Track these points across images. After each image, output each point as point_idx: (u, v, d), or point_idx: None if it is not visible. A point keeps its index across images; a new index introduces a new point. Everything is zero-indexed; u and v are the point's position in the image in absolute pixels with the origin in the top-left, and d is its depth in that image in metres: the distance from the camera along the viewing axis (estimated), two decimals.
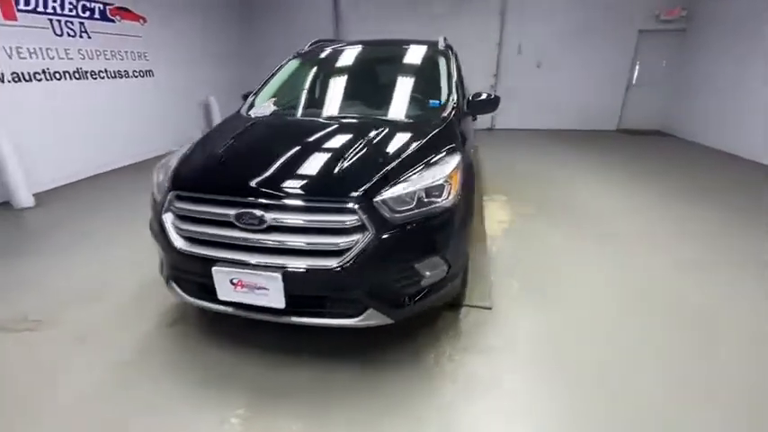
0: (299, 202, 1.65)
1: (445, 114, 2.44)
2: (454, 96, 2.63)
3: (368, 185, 1.68)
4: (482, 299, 2.53)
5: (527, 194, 4.53)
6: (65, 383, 1.93)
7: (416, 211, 1.73)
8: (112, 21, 5.60)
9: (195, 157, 2.03)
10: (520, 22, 8.03)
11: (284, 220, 1.65)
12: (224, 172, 1.87)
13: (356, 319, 1.74)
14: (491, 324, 2.31)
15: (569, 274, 2.84)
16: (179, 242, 1.80)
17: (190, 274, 1.82)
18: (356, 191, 1.65)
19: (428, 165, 1.88)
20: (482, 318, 2.37)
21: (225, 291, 1.72)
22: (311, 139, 2.10)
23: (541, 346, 2.13)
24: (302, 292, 1.69)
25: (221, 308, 1.82)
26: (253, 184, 1.72)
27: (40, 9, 4.63)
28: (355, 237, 1.63)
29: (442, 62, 2.97)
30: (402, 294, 1.76)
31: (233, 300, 1.73)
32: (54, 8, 4.78)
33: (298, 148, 1.98)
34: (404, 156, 1.90)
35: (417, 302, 1.83)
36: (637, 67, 8.09)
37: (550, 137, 7.92)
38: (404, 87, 2.79)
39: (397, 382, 1.89)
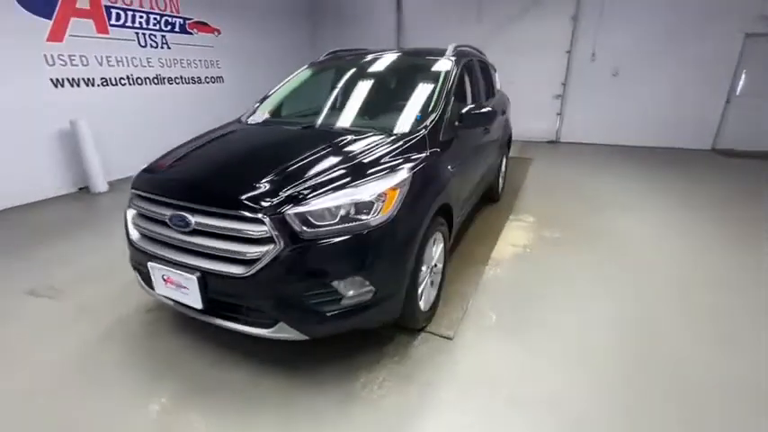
0: (216, 209, 1.70)
1: (419, 128, 2.31)
2: (440, 110, 2.47)
3: (283, 197, 1.66)
4: (447, 327, 2.34)
5: (562, 219, 4.07)
6: (48, 342, 2.25)
7: (338, 227, 1.67)
8: (190, 33, 6.36)
9: (161, 160, 2.21)
10: (595, 26, 7.28)
11: (204, 225, 1.71)
12: (170, 175, 2.00)
13: (268, 331, 1.73)
14: (443, 356, 2.12)
15: (566, 323, 2.39)
16: (134, 235, 1.98)
17: (140, 265, 1.98)
18: (269, 202, 1.64)
19: (366, 180, 1.80)
20: (438, 347, 2.18)
21: (158, 285, 1.85)
22: (265, 147, 2.15)
23: (485, 393, 1.89)
24: (215, 295, 1.74)
25: (162, 299, 1.96)
26: (186, 188, 1.82)
27: (129, 24, 5.45)
28: (264, 248, 1.63)
29: (439, 73, 2.82)
30: (318, 311, 1.71)
31: (164, 294, 1.85)
32: (140, 23, 5.59)
33: (245, 156, 2.04)
34: (342, 169, 1.84)
35: (338, 322, 1.76)
36: (743, 76, 6.79)
37: (623, 154, 7.02)
38: (391, 99, 2.71)
39: (315, 401, 1.84)
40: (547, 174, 5.86)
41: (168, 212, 1.79)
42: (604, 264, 3.10)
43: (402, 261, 1.85)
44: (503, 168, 4.62)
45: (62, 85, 4.82)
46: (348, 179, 1.78)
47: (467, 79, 3.29)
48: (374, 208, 1.73)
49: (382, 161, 1.94)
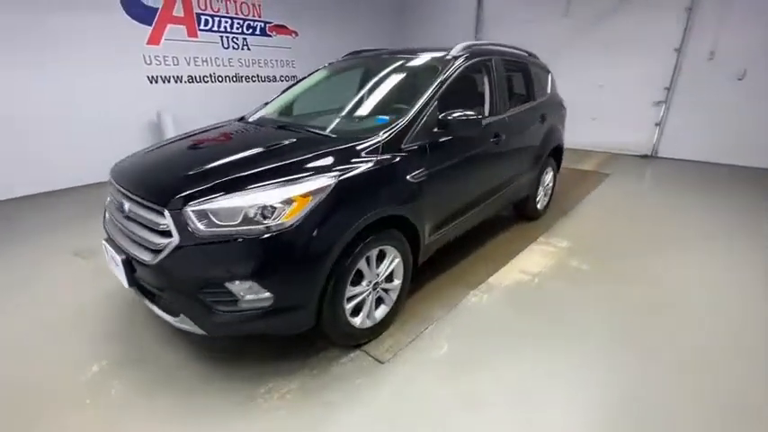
0: (139, 199, 1.82)
1: (378, 133, 2.15)
2: (410, 114, 2.26)
3: (188, 193, 1.70)
4: (388, 350, 2.16)
5: (603, 250, 3.45)
6: (61, 295, 2.71)
7: (237, 228, 1.66)
8: (269, 36, 6.94)
9: (137, 153, 2.46)
10: (718, 18, 5.91)
11: (133, 212, 1.86)
12: (126, 165, 2.20)
13: (173, 319, 1.81)
14: (365, 379, 1.96)
15: (528, 380, 1.97)
16: (105, 217, 2.25)
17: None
18: (174, 197, 1.70)
19: (279, 183, 1.75)
20: (364, 369, 2.03)
21: (109, 261, 2.07)
22: (215, 144, 2.22)
23: (383, 429, 1.70)
24: (138, 278, 1.88)
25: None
26: (128, 177, 1.99)
27: (215, 28, 6.17)
28: (166, 240, 1.69)
29: (422, 75, 2.59)
30: (215, 310, 1.73)
31: (113, 271, 2.06)
32: (225, 27, 6.29)
33: (193, 151, 2.14)
34: (265, 170, 1.82)
35: (237, 324, 1.75)
36: None
37: (741, 178, 5.59)
38: (368, 102, 2.57)
39: (214, 397, 1.86)
40: (618, 194, 4.99)
41: (117, 198, 2.00)
42: (628, 319, 2.48)
43: (309, 272, 1.75)
44: (546, 183, 4.07)
45: (156, 82, 5.70)
46: (263, 181, 1.75)
47: (485, 81, 2.98)
48: (277, 213, 1.68)
49: (310, 165, 1.87)
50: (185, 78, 5.99)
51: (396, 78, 2.71)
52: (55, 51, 4.75)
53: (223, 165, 1.91)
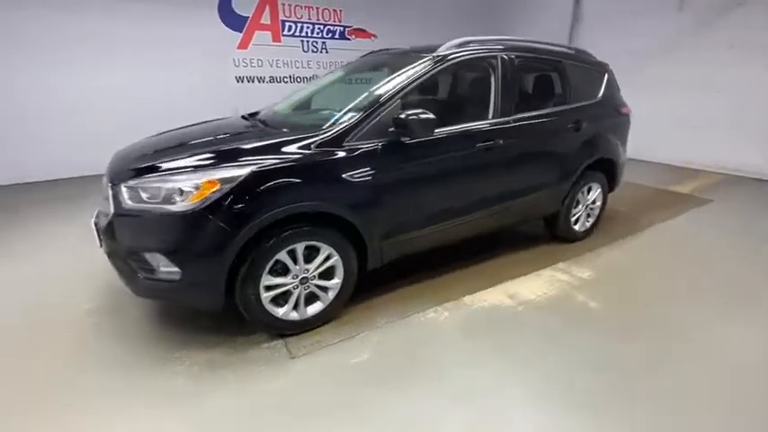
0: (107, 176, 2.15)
1: (323, 128, 2.14)
2: (361, 112, 2.19)
3: (129, 173, 1.96)
4: (305, 346, 2.15)
5: (629, 292, 2.85)
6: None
7: (154, 206, 1.86)
8: (348, 39, 7.32)
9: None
10: None
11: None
12: (118, 152, 2.51)
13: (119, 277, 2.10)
14: (266, 367, 2.00)
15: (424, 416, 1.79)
16: None
17: None
18: (119, 173, 1.97)
19: (198, 169, 1.90)
20: (274, 358, 2.07)
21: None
22: (191, 137, 2.44)
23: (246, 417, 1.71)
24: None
25: None
26: (110, 160, 2.35)
27: (297, 34, 6.77)
28: (111, 210, 1.98)
29: (394, 72, 2.46)
30: (139, 275, 1.95)
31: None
32: (306, 32, 6.85)
33: (170, 141, 2.39)
34: (202, 157, 1.98)
35: (156, 291, 1.96)
36: None
37: None
38: (346, 99, 2.53)
39: (133, 354, 2.09)
40: (705, 228, 3.98)
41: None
42: (593, 384, 1.99)
43: (211, 253, 1.85)
44: (589, 201, 3.48)
45: (242, 81, 6.53)
46: (189, 166, 1.92)
47: (484, 81, 2.71)
48: (185, 196, 1.82)
49: (234, 155, 1.98)
50: (267, 79, 6.72)
51: (378, 77, 2.64)
52: (164, 54, 5.79)
53: (169, 150, 2.15)
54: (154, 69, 5.74)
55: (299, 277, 2.15)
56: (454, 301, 2.61)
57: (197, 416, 1.73)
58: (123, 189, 1.93)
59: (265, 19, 6.42)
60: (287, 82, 6.89)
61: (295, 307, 2.19)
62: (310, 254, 2.14)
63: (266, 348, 2.15)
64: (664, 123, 6.28)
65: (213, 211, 1.83)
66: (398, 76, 2.40)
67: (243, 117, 2.96)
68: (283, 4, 6.49)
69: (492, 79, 2.71)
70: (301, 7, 6.68)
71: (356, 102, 2.32)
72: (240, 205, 1.86)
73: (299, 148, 2.05)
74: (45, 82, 5.14)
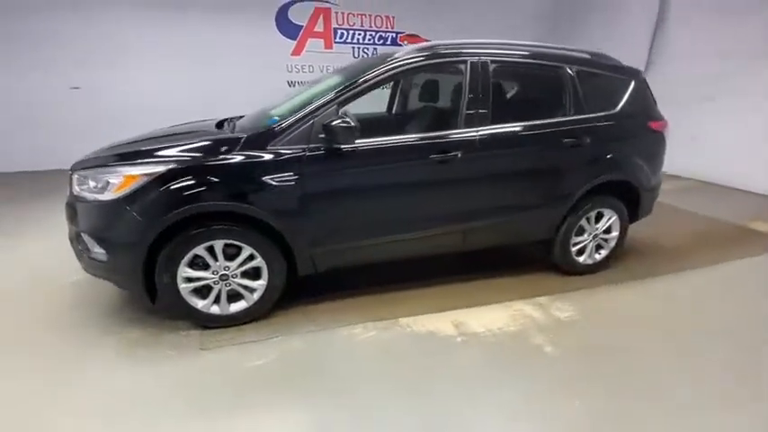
0: None
1: (250, 133, 2.20)
2: (292, 116, 2.19)
3: (81, 162, 2.22)
4: (217, 340, 2.21)
5: (615, 350, 2.38)
6: None
7: (88, 193, 2.09)
8: (400, 45, 7.31)
9: None
10: None
11: None
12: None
13: None
14: (175, 353, 2.11)
15: None
16: None
17: None
18: (77, 164, 2.25)
19: (127, 164, 2.10)
20: (185, 347, 2.17)
21: None
22: (167, 132, 2.65)
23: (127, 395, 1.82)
24: None
25: None
26: None
27: (348, 40, 6.98)
28: None
29: (348, 77, 2.40)
30: (84, 253, 2.20)
31: None
32: (358, 39, 7.03)
33: (147, 135, 2.65)
34: (140, 152, 2.18)
35: (96, 270, 2.20)
36: None
37: None
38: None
39: (79, 323, 2.35)
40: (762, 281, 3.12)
41: None
42: None
43: (125, 240, 2.03)
44: (598, 230, 2.98)
45: (293, 86, 6.95)
46: (127, 161, 2.12)
47: (458, 87, 2.50)
48: (110, 186, 2.02)
49: (165, 152, 2.14)
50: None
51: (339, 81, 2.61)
52: (223, 60, 6.43)
53: (124, 146, 2.39)
54: (212, 72, 6.40)
55: (219, 274, 2.22)
56: (391, 320, 2.44)
57: (101, 386, 1.90)
58: (74, 177, 2.21)
59: (319, 27, 6.76)
60: None
61: (218, 302, 2.28)
62: (237, 253, 2.21)
63: (183, 336, 2.26)
64: (759, 141, 5.08)
65: (130, 202, 1.99)
66: (341, 81, 2.35)
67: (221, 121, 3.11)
68: (337, 13, 6.77)
69: (459, 87, 2.49)
70: (354, 15, 6.88)
71: (291, 106, 2.33)
72: (154, 199, 2.01)
73: (223, 149, 2.13)
74: (134, 83, 6.08)
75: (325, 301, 2.61)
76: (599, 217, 2.98)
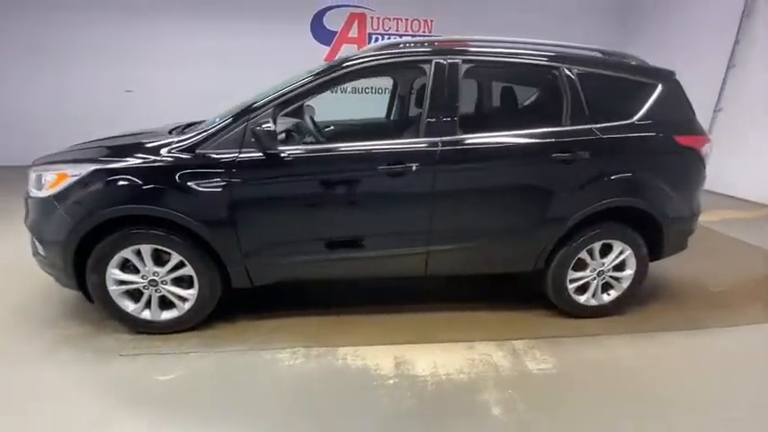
0: None
1: (182, 136, 2.11)
2: (226, 119, 2.05)
3: (40, 159, 2.29)
4: (136, 347, 2.14)
5: (598, 410, 1.88)
6: None
7: (34, 190, 2.13)
8: None
9: None
10: None
11: None
12: None
13: None
14: (93, 357, 2.06)
15: None
16: None
17: None
18: (35, 162, 2.32)
19: (62, 162, 2.12)
20: (106, 350, 2.11)
21: None
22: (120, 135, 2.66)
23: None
24: None
25: None
26: None
27: None
28: None
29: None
30: (37, 249, 2.23)
31: None
32: None
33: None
34: (82, 153, 2.20)
35: (45, 266, 2.22)
36: None
37: None
38: None
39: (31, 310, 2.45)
40: None
41: None
42: None
43: (54, 238, 2.02)
44: (604, 266, 2.44)
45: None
46: (66, 161, 2.14)
47: (418, 92, 2.21)
48: (46, 184, 2.04)
49: (103, 154, 2.12)
50: (349, 89, 6.98)
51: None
52: (256, 65, 6.59)
53: (79, 146, 2.41)
54: (247, 77, 6.56)
55: (149, 279, 2.15)
56: (328, 348, 2.18)
57: (18, 380, 1.91)
58: (30, 175, 2.29)
59: (353, 32, 6.71)
60: (368, 93, 7.02)
61: (151, 307, 2.21)
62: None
63: (114, 340, 2.21)
64: None
65: (60, 200, 1.99)
66: (285, 82, 2.17)
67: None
68: (372, 17, 6.66)
69: (423, 91, 2.17)
70: (390, 19, 6.72)
71: (230, 108, 2.19)
72: (80, 198, 1.98)
73: (151, 152, 2.06)
74: (176, 87, 6.53)
75: (270, 318, 2.44)
76: (607, 250, 2.44)
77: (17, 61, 6.09)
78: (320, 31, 6.65)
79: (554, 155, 2.21)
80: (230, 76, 6.52)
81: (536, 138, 2.24)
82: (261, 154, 2.02)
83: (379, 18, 6.68)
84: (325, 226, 2.19)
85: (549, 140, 2.24)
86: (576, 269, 2.44)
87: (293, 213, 2.14)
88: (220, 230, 2.07)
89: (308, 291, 2.79)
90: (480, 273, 2.53)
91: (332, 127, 3.71)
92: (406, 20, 6.76)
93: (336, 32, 6.69)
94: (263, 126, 1.90)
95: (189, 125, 2.50)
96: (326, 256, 2.23)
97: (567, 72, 2.27)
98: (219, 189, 2.02)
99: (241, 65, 6.50)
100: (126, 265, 2.13)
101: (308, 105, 3.89)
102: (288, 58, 6.53)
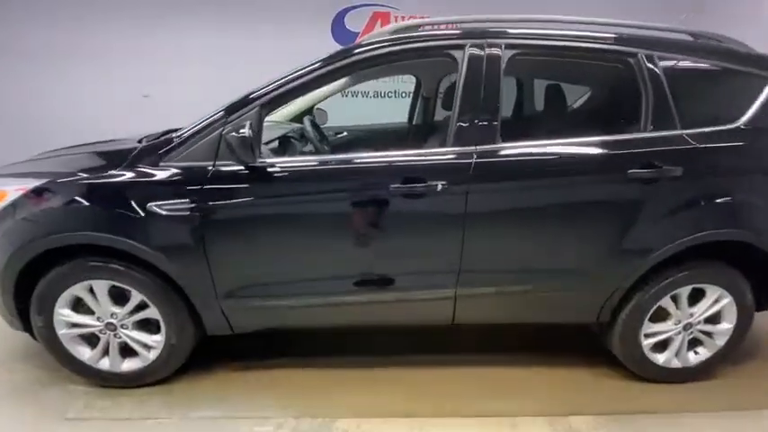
0: None
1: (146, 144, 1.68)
2: (195, 125, 1.60)
3: None
4: (86, 408, 1.70)
5: None
6: None
7: None
8: None
9: None
10: None
11: None
12: None
13: None
14: (34, 413, 1.64)
15: None
16: None
17: None
18: None
19: (16, 177, 1.71)
20: (50, 409, 1.70)
21: None
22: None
23: None
24: None
25: None
26: None
27: None
28: None
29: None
30: None
31: None
32: None
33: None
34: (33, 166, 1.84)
35: None
36: None
37: None
38: None
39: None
40: None
41: None
42: None
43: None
44: (692, 315, 1.81)
45: (346, 96, 6.54)
46: (13, 174, 1.76)
47: (448, 88, 1.71)
48: None
49: (49, 168, 1.75)
50: (371, 94, 6.56)
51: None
52: (272, 67, 6.30)
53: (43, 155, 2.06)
54: (261, 80, 6.30)
55: (105, 322, 1.72)
56: (323, 420, 1.67)
57: None
58: None
59: None
60: (391, 97, 6.57)
61: (110, 355, 1.78)
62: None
63: (64, 390, 1.80)
64: None
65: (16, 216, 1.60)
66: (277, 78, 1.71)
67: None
68: (396, 17, 6.22)
69: (452, 88, 1.66)
70: (415, 19, 6.25)
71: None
72: (19, 222, 1.58)
73: (105, 166, 1.65)
74: (197, 89, 6.27)
75: (258, 368, 1.96)
76: (698, 296, 1.82)
77: (32, 65, 6.02)
78: (341, 32, 6.26)
79: (631, 171, 1.63)
80: (246, 78, 6.23)
81: (605, 148, 1.67)
82: (242, 167, 1.57)
83: (404, 18, 6.22)
84: (322, 261, 1.70)
85: (623, 151, 1.66)
86: (654, 320, 1.84)
87: (282, 244, 1.65)
88: (188, 264, 1.62)
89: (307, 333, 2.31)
90: (523, 322, 1.96)
91: (345, 133, 3.26)
92: (432, 24, 6.27)
93: (358, 33, 6.27)
94: (240, 132, 1.43)
95: (166, 132, 2.09)
96: (324, 300, 1.73)
97: (649, 61, 1.69)
98: (187, 212, 1.56)
99: (258, 67, 6.16)
100: (81, 304, 1.72)
101: (318, 109, 3.49)
102: (307, 59, 6.20)
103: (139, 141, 1.88)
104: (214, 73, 6.25)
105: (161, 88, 6.23)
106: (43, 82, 6.08)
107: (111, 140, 2.14)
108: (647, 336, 1.86)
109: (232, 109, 1.60)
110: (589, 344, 2.08)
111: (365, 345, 2.17)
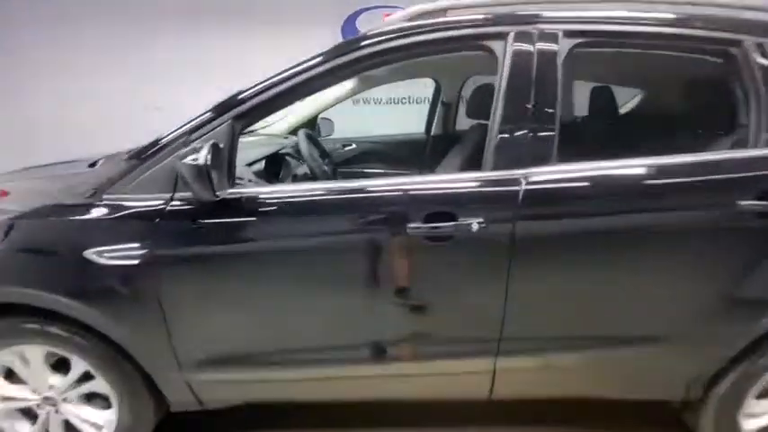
0: None
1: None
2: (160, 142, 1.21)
3: None
4: None
5: None
6: None
7: None
8: None
9: None
10: None
11: None
12: None
13: None
14: None
15: None
16: None
17: None
18: None
19: None
20: None
21: None
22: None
23: None
24: None
25: None
26: None
27: None
28: None
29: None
30: None
31: None
32: None
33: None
34: None
35: None
36: None
37: None
38: None
39: None
40: None
41: None
42: None
43: None
44: None
45: (357, 103, 6.19)
46: None
47: (497, 87, 1.27)
48: None
49: None
50: (384, 100, 6.18)
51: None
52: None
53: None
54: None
55: (42, 395, 1.35)
56: None
57: None
58: None
59: None
60: (405, 103, 6.18)
61: None
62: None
63: None
64: None
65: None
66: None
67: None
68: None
69: (490, 90, 1.24)
70: None
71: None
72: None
73: (41, 196, 1.27)
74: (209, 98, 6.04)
75: None
76: None
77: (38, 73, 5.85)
78: (353, 35, 5.93)
79: (743, 202, 1.17)
80: (246, 82, 5.97)
81: (702, 172, 1.21)
82: (215, 200, 1.16)
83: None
84: (313, 323, 1.28)
85: (729, 176, 1.20)
86: (762, 397, 1.37)
87: (261, 302, 1.25)
88: (140, 329, 1.23)
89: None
90: (586, 398, 1.51)
91: (353, 146, 2.88)
92: None
93: None
94: (189, 159, 1.03)
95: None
96: (318, 372, 1.32)
97: (758, 52, 1.24)
98: (135, 260, 1.17)
99: (265, 72, 5.90)
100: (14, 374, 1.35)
101: (323, 119, 3.11)
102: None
103: (91, 165, 1.51)
104: (211, 77, 5.98)
105: (169, 98, 6.00)
106: (41, 86, 5.89)
107: (70, 161, 1.78)
108: (747, 416, 1.39)
109: (196, 126, 1.20)
110: (658, 418, 1.60)
111: (368, 411, 1.74)
